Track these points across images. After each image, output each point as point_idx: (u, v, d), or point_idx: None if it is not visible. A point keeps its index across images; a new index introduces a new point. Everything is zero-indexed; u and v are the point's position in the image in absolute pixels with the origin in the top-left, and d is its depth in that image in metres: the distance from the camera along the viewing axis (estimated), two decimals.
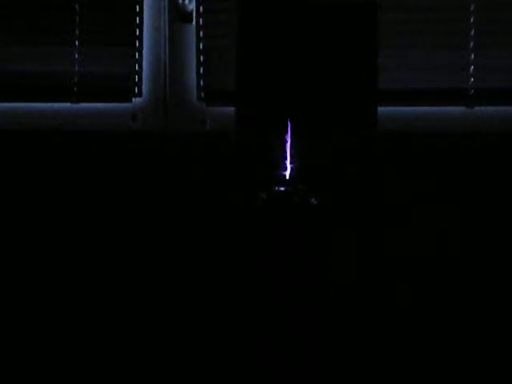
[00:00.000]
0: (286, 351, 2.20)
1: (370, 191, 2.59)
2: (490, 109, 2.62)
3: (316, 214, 2.22)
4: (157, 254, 2.61)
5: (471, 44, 2.62)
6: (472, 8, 2.62)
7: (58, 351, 2.61)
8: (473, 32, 2.62)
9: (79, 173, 2.62)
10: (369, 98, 2.21)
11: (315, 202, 2.23)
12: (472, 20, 2.62)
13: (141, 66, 2.68)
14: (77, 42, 2.68)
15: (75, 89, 2.68)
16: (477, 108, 2.63)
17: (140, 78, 2.68)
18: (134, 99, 2.68)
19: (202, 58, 2.67)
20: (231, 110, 2.25)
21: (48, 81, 2.67)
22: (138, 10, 2.68)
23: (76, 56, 2.68)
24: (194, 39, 2.67)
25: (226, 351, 2.58)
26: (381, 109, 2.23)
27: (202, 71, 2.67)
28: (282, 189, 2.25)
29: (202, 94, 2.67)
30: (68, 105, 2.68)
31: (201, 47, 2.67)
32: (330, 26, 2.20)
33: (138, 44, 2.68)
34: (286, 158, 2.36)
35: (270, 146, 2.55)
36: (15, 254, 2.62)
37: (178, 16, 2.67)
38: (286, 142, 2.32)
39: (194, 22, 2.67)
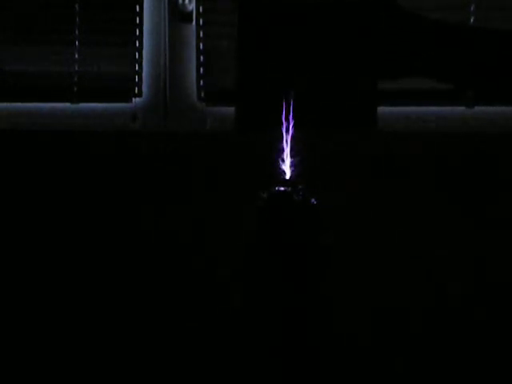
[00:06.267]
0: (284, 352, 2.21)
1: (370, 191, 2.59)
2: (490, 109, 2.62)
3: (316, 214, 2.22)
4: (156, 254, 2.61)
5: None
6: (472, 8, 2.62)
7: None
8: None
9: (79, 173, 2.62)
10: (369, 98, 2.21)
11: (315, 202, 2.23)
12: (472, 20, 2.62)
13: (141, 66, 2.68)
14: (77, 42, 2.68)
15: (75, 89, 2.68)
16: (477, 108, 2.63)
17: (140, 78, 2.68)
18: (134, 99, 2.68)
19: (201, 57, 2.67)
20: (231, 109, 2.25)
21: (48, 81, 2.68)
22: (138, 10, 2.68)
23: (76, 56, 2.68)
24: (193, 39, 2.67)
25: (222, 353, 2.59)
26: (381, 109, 2.24)
27: (201, 71, 2.67)
28: (282, 189, 2.25)
29: (202, 94, 2.67)
30: (68, 105, 2.68)
31: (201, 47, 2.67)
32: (331, 25, 2.20)
33: (138, 44, 2.68)
34: (286, 158, 2.36)
35: (270, 146, 2.55)
36: (14, 254, 2.63)
37: (178, 16, 2.67)
38: (287, 141, 2.32)
39: (194, 22, 2.67)
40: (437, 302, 2.60)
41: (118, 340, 2.62)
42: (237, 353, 2.58)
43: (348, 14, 2.20)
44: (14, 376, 2.62)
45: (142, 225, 2.63)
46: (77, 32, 2.68)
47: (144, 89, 2.68)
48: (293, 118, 2.23)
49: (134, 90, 2.68)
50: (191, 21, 2.67)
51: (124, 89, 2.68)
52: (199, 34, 2.67)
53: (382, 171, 2.59)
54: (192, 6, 2.67)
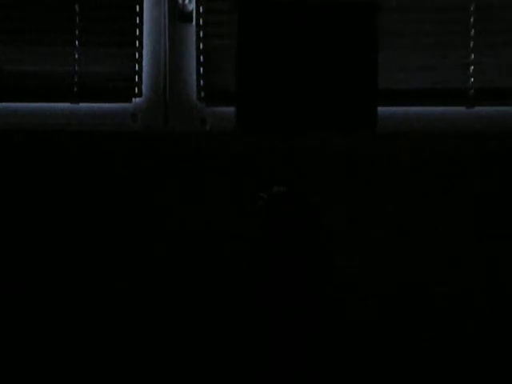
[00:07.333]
0: (284, 351, 2.20)
1: (370, 191, 2.59)
2: (490, 109, 2.62)
3: (316, 214, 2.22)
4: (156, 253, 2.61)
5: (471, 44, 2.62)
6: (472, 8, 2.62)
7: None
8: (473, 32, 2.62)
9: (79, 173, 2.63)
10: (369, 98, 2.21)
11: (315, 202, 2.23)
12: (472, 20, 2.62)
13: (141, 66, 2.68)
14: (77, 42, 2.68)
15: (75, 89, 2.68)
16: (477, 108, 2.63)
17: (140, 78, 2.68)
18: (134, 99, 2.68)
19: (201, 57, 2.67)
20: (231, 110, 2.25)
21: (48, 81, 2.68)
22: (137, 9, 2.68)
23: (76, 56, 2.68)
24: (193, 39, 2.67)
25: (223, 352, 2.59)
26: (381, 109, 2.23)
27: (201, 71, 2.67)
28: (282, 189, 2.25)
29: (202, 94, 2.67)
30: (68, 105, 2.68)
31: (201, 47, 2.67)
32: (330, 25, 2.20)
33: (137, 44, 2.68)
34: (285, 158, 2.36)
35: (270, 146, 2.55)
36: (14, 253, 2.63)
37: (178, 16, 2.67)
38: (286, 142, 2.32)
39: (193, 22, 2.67)
40: (441, 304, 2.60)
41: (120, 337, 2.62)
42: (238, 348, 2.58)
43: (348, 15, 2.20)
44: (14, 376, 2.62)
45: (142, 224, 2.62)
46: (77, 32, 2.68)
47: (144, 89, 2.68)
48: (293, 118, 2.23)
49: (134, 90, 2.68)
50: (191, 21, 2.67)
51: (124, 89, 2.68)
52: (199, 34, 2.67)
53: (382, 171, 2.59)
54: (192, 6, 2.67)
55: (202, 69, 2.67)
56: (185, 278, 2.61)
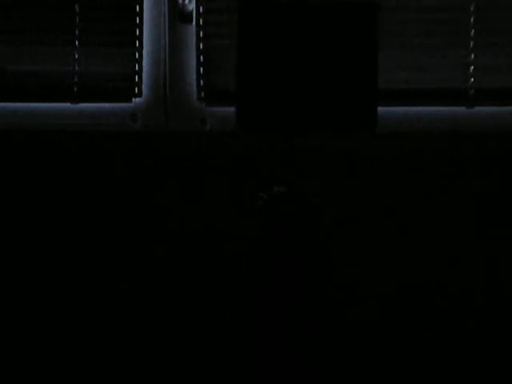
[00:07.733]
0: (284, 351, 2.20)
1: (370, 191, 2.59)
2: (490, 109, 2.62)
3: (316, 214, 2.22)
4: (156, 253, 2.61)
5: (471, 44, 2.62)
6: (472, 8, 2.62)
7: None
8: (473, 32, 2.62)
9: (79, 173, 2.63)
10: (369, 98, 2.21)
11: (315, 202, 2.23)
12: (472, 20, 2.62)
13: (141, 66, 2.68)
14: (77, 42, 2.68)
15: (75, 89, 2.68)
16: (477, 108, 2.63)
17: (140, 78, 2.68)
18: (134, 99, 2.68)
19: (201, 57, 2.67)
20: (231, 110, 2.25)
21: (48, 81, 2.68)
22: (137, 10, 2.68)
23: (76, 56, 2.68)
24: (193, 39, 2.67)
25: (222, 352, 2.59)
26: (381, 109, 2.23)
27: (201, 71, 2.67)
28: (282, 189, 2.25)
29: (202, 94, 2.67)
30: (68, 105, 2.68)
31: (201, 47, 2.67)
32: (330, 26, 2.20)
33: (137, 44, 2.68)
34: (285, 158, 2.36)
35: (270, 146, 2.55)
36: (14, 253, 2.63)
37: (178, 16, 2.67)
38: (286, 142, 2.32)
39: (193, 22, 2.67)
40: (441, 304, 2.60)
41: (120, 336, 2.62)
42: (238, 348, 2.58)
43: (348, 15, 2.20)
44: (14, 376, 2.62)
45: (142, 224, 2.62)
46: (77, 32, 2.68)
47: (144, 89, 2.68)
48: (293, 118, 2.23)
49: (134, 90, 2.68)
50: (191, 21, 2.67)
51: (124, 89, 2.68)
52: (199, 34, 2.67)
53: (382, 171, 2.59)
54: (192, 6, 2.67)
55: (202, 69, 2.67)
56: (185, 278, 2.61)
